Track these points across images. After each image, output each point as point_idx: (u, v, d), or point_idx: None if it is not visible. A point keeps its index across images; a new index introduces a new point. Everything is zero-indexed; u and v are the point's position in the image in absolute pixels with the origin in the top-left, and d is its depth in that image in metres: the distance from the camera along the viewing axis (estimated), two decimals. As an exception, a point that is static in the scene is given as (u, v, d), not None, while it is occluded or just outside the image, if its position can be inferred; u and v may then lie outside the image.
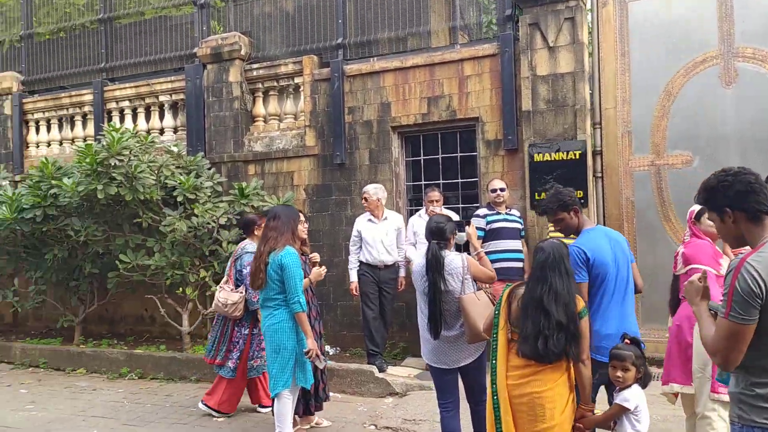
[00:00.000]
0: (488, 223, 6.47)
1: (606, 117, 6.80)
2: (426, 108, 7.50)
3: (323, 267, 5.45)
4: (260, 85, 8.62)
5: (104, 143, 7.39)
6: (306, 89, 8.18)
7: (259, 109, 8.66)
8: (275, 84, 8.52)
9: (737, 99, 6.30)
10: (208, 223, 7.56)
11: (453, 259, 4.10)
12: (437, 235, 4.11)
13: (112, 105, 9.53)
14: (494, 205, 6.55)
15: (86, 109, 9.75)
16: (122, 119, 9.55)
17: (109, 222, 7.94)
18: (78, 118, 9.92)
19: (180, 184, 7.61)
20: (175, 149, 8.02)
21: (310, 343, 4.63)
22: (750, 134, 6.25)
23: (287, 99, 8.53)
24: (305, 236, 5.63)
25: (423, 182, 7.69)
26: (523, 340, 3.33)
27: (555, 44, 6.77)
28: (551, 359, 3.29)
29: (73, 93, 9.77)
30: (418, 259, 4.34)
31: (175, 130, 9.16)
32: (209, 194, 7.80)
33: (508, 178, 7.01)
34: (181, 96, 9.04)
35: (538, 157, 6.83)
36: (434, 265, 4.02)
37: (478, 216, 6.56)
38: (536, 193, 6.84)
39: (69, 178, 7.45)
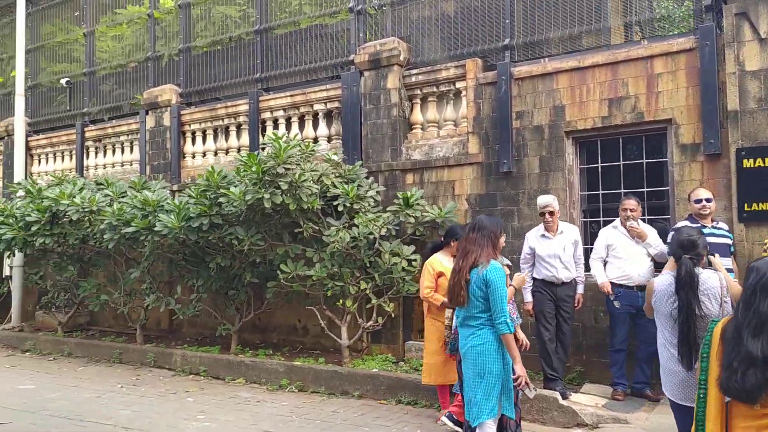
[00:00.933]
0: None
1: (830, 117, 5.89)
2: (607, 110, 6.87)
3: (525, 272, 5.01)
4: (418, 91, 8.31)
5: (269, 152, 7.31)
6: (469, 94, 7.77)
7: (417, 116, 8.34)
8: (434, 90, 8.18)
9: None
10: (371, 234, 7.30)
11: (709, 277, 3.50)
12: (689, 248, 3.53)
13: (267, 115, 9.56)
14: (698, 217, 5.82)
15: (241, 119, 9.85)
16: (276, 128, 9.56)
17: (269, 231, 7.87)
18: (233, 128, 10.05)
19: (344, 193, 7.41)
20: (335, 158, 7.84)
21: (519, 369, 4.17)
22: None
23: (447, 105, 8.16)
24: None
25: (600, 191, 7.05)
26: (726, 373, 2.72)
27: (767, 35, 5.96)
28: (753, 399, 2.65)
29: (229, 104, 9.91)
30: (662, 277, 3.75)
31: (329, 138, 9.04)
32: (371, 204, 7.55)
33: (708, 187, 6.22)
34: (336, 104, 8.90)
35: (747, 163, 6.02)
36: (688, 284, 3.43)
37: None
38: (746, 204, 6.02)
39: (235, 187, 7.42)
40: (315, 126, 9.17)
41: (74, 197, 8.90)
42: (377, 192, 7.76)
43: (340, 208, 7.63)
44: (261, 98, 9.53)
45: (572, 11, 7.27)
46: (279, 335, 9.22)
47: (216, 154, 10.28)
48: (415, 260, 7.46)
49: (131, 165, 11.37)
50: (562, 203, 7.08)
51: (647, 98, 6.64)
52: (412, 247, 7.57)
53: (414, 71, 8.24)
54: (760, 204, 5.97)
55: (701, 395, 2.89)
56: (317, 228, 7.66)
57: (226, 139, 10.18)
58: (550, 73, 7.21)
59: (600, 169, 7.10)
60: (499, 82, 7.47)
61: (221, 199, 7.55)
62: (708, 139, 6.26)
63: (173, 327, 10.35)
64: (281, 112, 9.44)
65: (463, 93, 7.94)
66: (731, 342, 2.74)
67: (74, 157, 12.19)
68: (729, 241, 5.81)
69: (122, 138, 11.43)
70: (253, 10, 10.17)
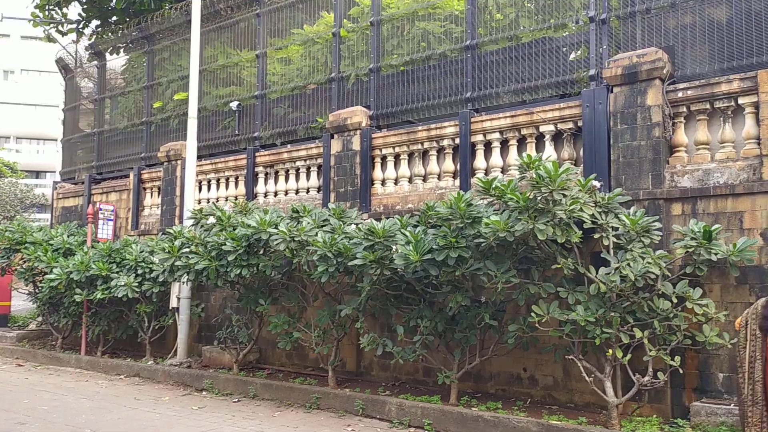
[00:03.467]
0: None
1: None
2: None
3: None
4: (684, 109, 7.19)
5: (534, 175, 6.32)
6: (765, 111, 6.59)
7: (682, 137, 7.22)
8: (707, 107, 7.04)
9: None
10: (647, 273, 6.16)
11: None
12: None
13: (478, 138, 8.65)
14: None
15: (445, 143, 8.98)
16: (488, 152, 8.63)
17: (518, 267, 6.87)
18: (432, 152, 9.18)
19: (624, 227, 6.33)
20: (596, 183, 6.78)
21: None
22: None
23: (725, 124, 7.00)
24: None
25: None
26: None
27: None
28: None
29: (433, 126, 9.05)
30: None
31: (560, 163, 7.99)
32: (655, 240, 6.44)
33: None
34: (570, 125, 7.89)
35: None
36: None
37: None
38: None
39: (495, 215, 6.46)
40: (539, 149, 8.17)
41: (277, 225, 8.16)
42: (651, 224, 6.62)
43: (605, 242, 6.56)
44: (473, 119, 8.62)
45: None
46: (497, 385, 8.13)
47: (411, 180, 9.42)
48: (705, 305, 6.27)
49: (308, 192, 10.68)
50: None
51: None
52: (699, 290, 6.38)
53: (681, 86, 7.14)
54: None
55: None
56: (571, 265, 6.60)
57: (425, 165, 9.32)
58: None
59: None
60: (810, 95, 6.27)
61: (469, 230, 6.60)
62: None
63: (360, 369, 9.43)
64: (496, 135, 8.50)
65: (748, 110, 6.78)
66: None
67: (240, 183, 11.64)
68: None
69: (298, 163, 10.76)
70: (454, 26, 9.37)
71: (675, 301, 6.28)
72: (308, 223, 8.19)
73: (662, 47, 7.33)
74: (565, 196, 6.12)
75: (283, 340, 8.87)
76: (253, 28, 11.86)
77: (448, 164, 9.00)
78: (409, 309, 7.71)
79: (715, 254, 6.14)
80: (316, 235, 7.85)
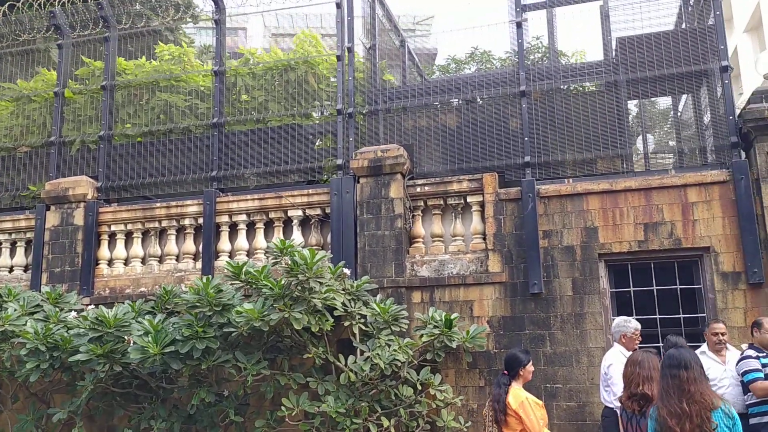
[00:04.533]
0: (764, 366, 5.69)
1: None
2: (643, 235, 6.87)
3: None
4: (421, 203, 7.74)
5: (289, 261, 6.15)
6: (488, 209, 7.38)
7: (420, 229, 7.71)
8: (441, 202, 7.67)
9: None
10: (398, 360, 6.33)
11: None
12: None
13: (223, 219, 8.26)
14: (765, 347, 5.80)
15: (187, 222, 8.39)
16: (234, 235, 8.27)
17: (268, 358, 6.52)
18: (172, 232, 8.50)
19: (373, 314, 6.42)
20: (347, 271, 6.84)
21: None
22: None
23: (456, 219, 7.66)
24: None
25: (634, 316, 6.87)
26: None
27: (800, 174, 6.46)
28: None
29: (173, 204, 8.41)
30: None
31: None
32: (403, 328, 6.63)
33: (752, 315, 6.36)
34: (318, 211, 7.97)
35: (795, 293, 6.27)
36: None
37: (750, 357, 5.77)
38: (797, 332, 6.19)
39: (249, 303, 6.06)
40: (287, 234, 8.06)
41: (-29, 312, 6.68)
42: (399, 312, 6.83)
43: (354, 330, 6.59)
44: (219, 199, 8.23)
45: (590, 135, 7.38)
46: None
47: (145, 261, 8.56)
48: (444, 391, 6.58)
49: (11, 271, 9.03)
50: (599, 328, 6.81)
51: (683, 225, 6.78)
52: (439, 376, 6.70)
53: (420, 182, 7.69)
54: (808, 332, 6.17)
55: None
56: (323, 353, 6.49)
57: (162, 245, 8.57)
58: (580, 194, 7.12)
59: (633, 294, 6.99)
60: (525, 199, 7.20)
61: (218, 318, 6.10)
62: (751, 268, 6.47)
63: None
64: (243, 216, 8.20)
65: (475, 208, 7.54)
66: None
67: None
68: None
69: (1, 237, 9.10)
70: (199, 101, 9.04)
71: (419, 387, 6.47)
72: (15, 309, 6.85)
73: (402, 145, 7.86)
74: (321, 283, 6.02)
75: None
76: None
77: (189, 245, 8.39)
78: (139, 408, 6.77)
79: (455, 341, 6.53)
80: (26, 324, 6.58)
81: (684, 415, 3.68)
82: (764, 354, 5.75)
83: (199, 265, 8.20)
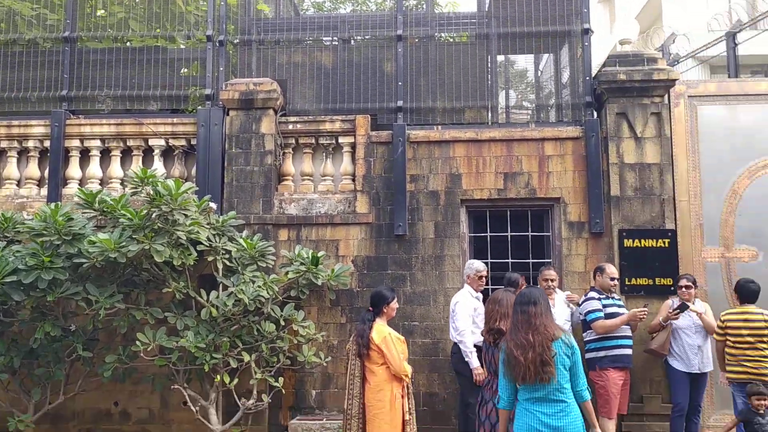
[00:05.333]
0: (605, 306, 6.32)
1: (680, 209, 7.18)
2: (502, 184, 7.26)
3: None
4: (293, 141, 7.61)
5: (151, 192, 5.83)
6: (359, 151, 7.41)
7: (290, 167, 7.60)
8: (312, 142, 7.58)
9: (795, 203, 7.14)
10: (262, 296, 6.29)
11: None
12: None
13: (74, 143, 7.64)
14: (606, 291, 6.43)
15: (30, 144, 7.67)
16: (85, 161, 7.69)
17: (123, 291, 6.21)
18: (13, 154, 7.73)
19: (239, 250, 6.29)
20: (213, 205, 6.61)
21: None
22: (808, 237, 7.09)
23: (327, 159, 7.62)
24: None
25: (489, 260, 7.31)
26: None
27: (642, 135, 7.09)
28: None
29: (15, 123, 7.64)
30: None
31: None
32: (270, 264, 6.56)
33: (592, 262, 7.00)
34: (182, 142, 7.60)
35: (627, 243, 6.95)
36: None
37: (593, 299, 6.37)
38: (626, 279, 6.91)
39: (104, 232, 5.68)
40: (147, 164, 7.61)
41: None
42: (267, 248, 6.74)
43: (218, 265, 6.44)
44: (70, 121, 7.58)
45: (461, 85, 7.58)
46: (81, 424, 7.16)
47: (-26, 185, 7.74)
48: (307, 327, 6.66)
49: None
50: (456, 270, 7.17)
51: (539, 176, 7.23)
52: (302, 313, 6.76)
53: (292, 119, 7.54)
54: (637, 279, 6.93)
55: None
56: (183, 288, 6.30)
57: (1, 168, 7.77)
58: (448, 141, 7.35)
59: (489, 239, 7.40)
60: (395, 143, 7.31)
61: (68, 248, 5.69)
62: (594, 219, 7.06)
63: None
64: (97, 142, 7.64)
65: (346, 149, 7.54)
66: None
67: None
68: (624, 310, 6.54)
69: None
70: (48, 12, 8.18)
71: (282, 324, 6.49)
72: None
73: (276, 80, 7.63)
74: (186, 216, 5.78)
75: None
76: None
77: (33, 170, 7.68)
78: (-25, 343, 6.21)
79: (320, 279, 6.58)
80: None
81: (528, 345, 3.99)
82: (605, 296, 6.37)
83: (44, 192, 7.55)
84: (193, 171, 7.51)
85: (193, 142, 7.51)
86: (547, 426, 3.96)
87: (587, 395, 4.06)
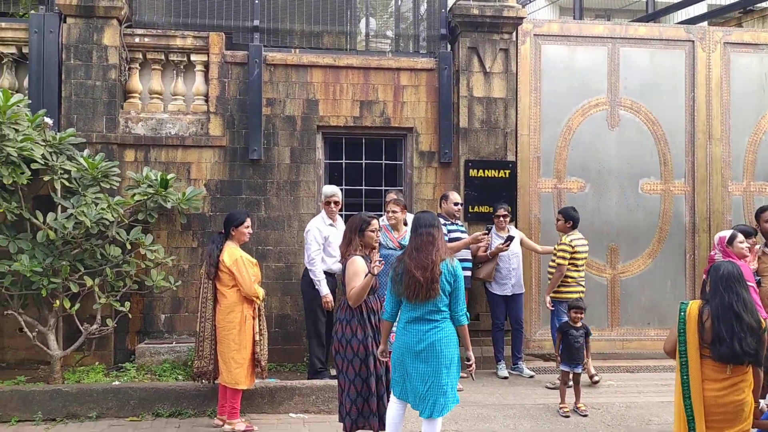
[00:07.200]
0: (449, 231, 6.71)
1: (521, 142, 7.69)
2: (359, 112, 7.34)
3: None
4: (140, 56, 7.16)
5: (-26, 102, 5.31)
6: (212, 71, 7.14)
7: (136, 84, 7.18)
8: (162, 58, 7.19)
9: (618, 140, 7.87)
10: (106, 219, 6.04)
11: None
12: None
13: None
14: (450, 216, 6.82)
15: None
16: None
17: (-56, 212, 5.69)
18: None
19: (79, 170, 5.93)
20: (48, 121, 6.13)
21: (472, 356, 4.39)
22: (627, 170, 7.88)
23: (177, 78, 7.27)
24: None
25: (344, 186, 7.45)
26: (720, 342, 3.78)
27: (491, 70, 7.43)
28: (744, 360, 3.80)
29: None
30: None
31: (-4, 92, 6.91)
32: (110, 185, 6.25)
33: (440, 190, 7.36)
34: (12, 49, 6.91)
35: (473, 173, 7.37)
36: None
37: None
38: (470, 206, 7.36)
39: None
40: (-30, 72, 6.88)
41: None
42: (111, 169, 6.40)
43: (56, 186, 6.05)
44: None
45: (320, 8, 7.47)
46: None
47: None
48: (156, 251, 6.50)
49: None
50: (311, 196, 7.26)
51: (394, 106, 7.40)
52: (150, 237, 6.57)
53: (139, 32, 7.07)
54: (480, 207, 7.40)
55: (683, 362, 3.75)
56: (16, 209, 5.89)
57: None
58: (305, 66, 7.27)
59: (344, 166, 7.52)
60: (251, 64, 7.11)
61: None
62: (443, 149, 7.38)
63: None
64: None
65: (199, 67, 7.24)
66: (719, 320, 3.68)
67: None
68: (466, 235, 7.00)
69: None
70: None
71: (129, 247, 6.28)
72: None
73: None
74: (17, 131, 5.33)
75: None
76: None
77: None
78: None
79: (169, 202, 6.40)
80: None
81: (430, 264, 4.19)
82: (450, 222, 6.75)
83: None
84: (26, 83, 6.88)
85: (25, 50, 6.85)
86: (421, 341, 4.21)
87: (464, 320, 4.30)
